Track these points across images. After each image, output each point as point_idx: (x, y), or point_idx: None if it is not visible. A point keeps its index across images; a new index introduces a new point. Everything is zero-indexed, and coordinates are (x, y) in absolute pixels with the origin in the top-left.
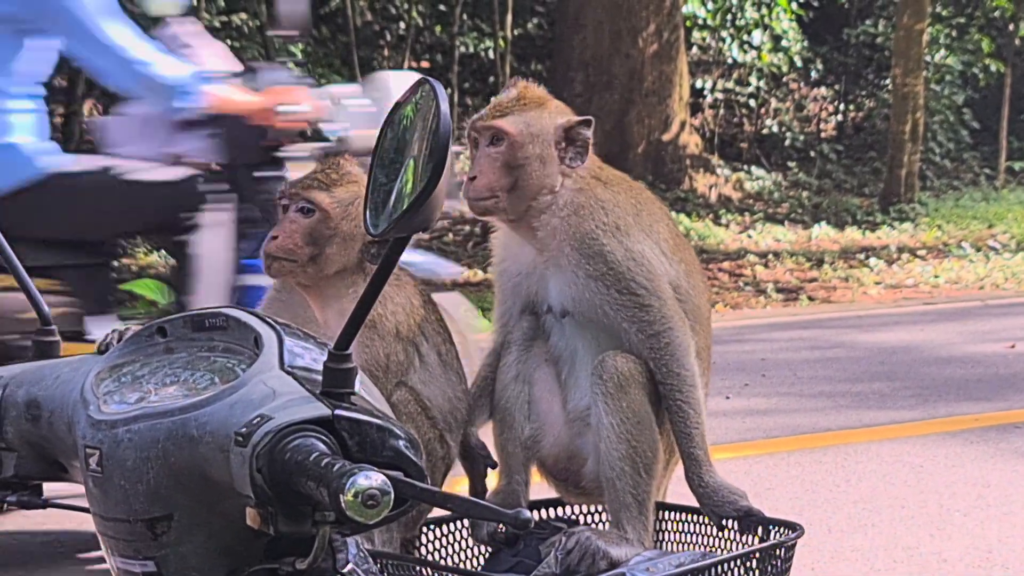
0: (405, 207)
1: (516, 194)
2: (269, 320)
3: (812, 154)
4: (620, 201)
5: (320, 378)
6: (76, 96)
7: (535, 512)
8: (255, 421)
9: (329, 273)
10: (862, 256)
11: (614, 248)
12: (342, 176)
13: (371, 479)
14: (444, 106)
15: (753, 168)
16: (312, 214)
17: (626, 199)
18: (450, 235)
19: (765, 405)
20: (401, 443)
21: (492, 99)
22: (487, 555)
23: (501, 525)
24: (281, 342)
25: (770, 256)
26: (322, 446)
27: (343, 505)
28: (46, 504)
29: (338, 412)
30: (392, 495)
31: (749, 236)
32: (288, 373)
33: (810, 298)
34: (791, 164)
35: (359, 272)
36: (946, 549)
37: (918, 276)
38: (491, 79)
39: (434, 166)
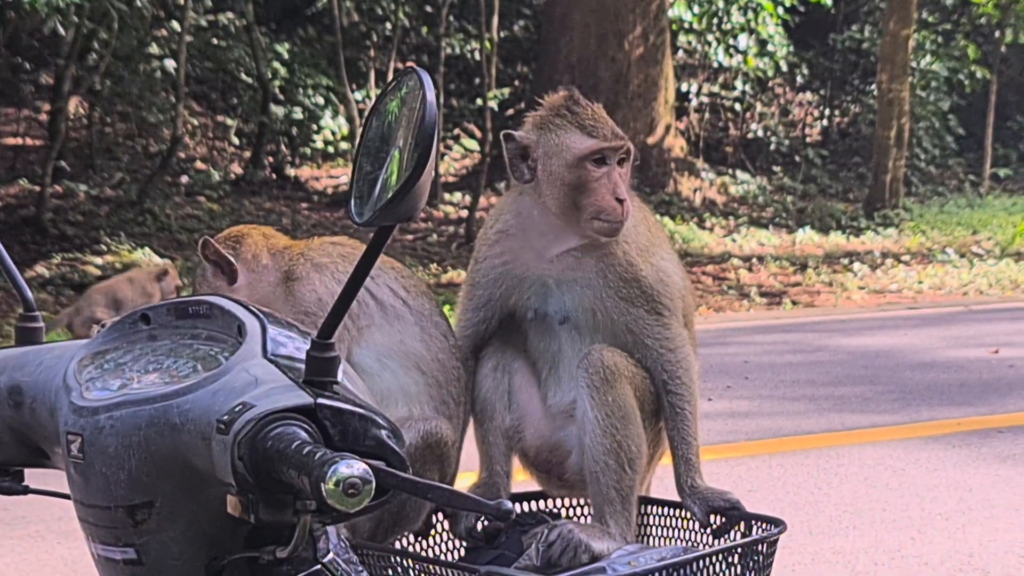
0: (390, 196)
1: None
2: (253, 308)
3: (797, 159)
4: (638, 217)
5: (303, 367)
6: (62, 93)
7: (517, 505)
8: (237, 409)
9: None
10: (846, 261)
11: (648, 273)
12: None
13: (352, 468)
14: (431, 96)
15: (738, 172)
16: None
17: (639, 214)
18: (434, 236)
19: (748, 407)
20: (383, 432)
21: (584, 110)
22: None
23: (481, 521)
24: (264, 330)
25: (754, 260)
26: (304, 434)
27: (324, 493)
28: (27, 490)
29: (320, 401)
30: (373, 484)
31: (733, 240)
32: (271, 361)
33: (793, 302)
34: (776, 168)
35: None
36: (927, 552)
37: (902, 281)
38: (476, 81)
39: (419, 156)
